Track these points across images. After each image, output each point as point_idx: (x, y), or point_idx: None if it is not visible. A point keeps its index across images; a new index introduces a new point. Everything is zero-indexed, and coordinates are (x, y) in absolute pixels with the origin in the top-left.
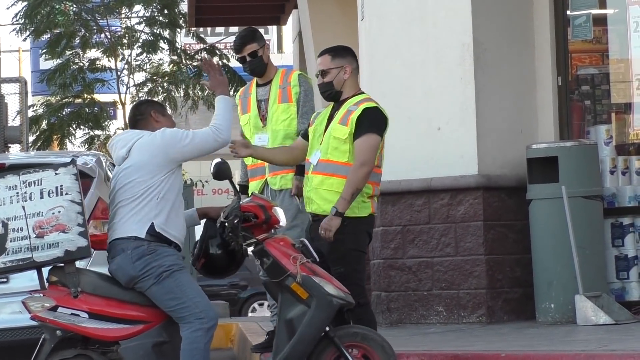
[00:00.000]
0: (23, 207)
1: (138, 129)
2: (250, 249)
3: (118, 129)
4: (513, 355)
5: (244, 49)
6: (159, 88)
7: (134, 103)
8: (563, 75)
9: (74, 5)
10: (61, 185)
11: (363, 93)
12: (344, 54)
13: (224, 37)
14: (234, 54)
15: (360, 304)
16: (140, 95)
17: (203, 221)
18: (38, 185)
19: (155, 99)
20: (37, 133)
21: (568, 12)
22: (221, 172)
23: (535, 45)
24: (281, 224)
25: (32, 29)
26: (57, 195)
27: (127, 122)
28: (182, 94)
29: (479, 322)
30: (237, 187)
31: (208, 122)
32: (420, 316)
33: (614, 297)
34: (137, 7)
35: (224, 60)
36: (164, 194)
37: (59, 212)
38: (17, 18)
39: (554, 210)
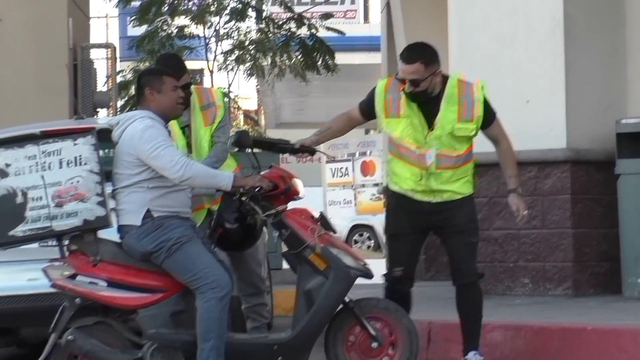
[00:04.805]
0: (42, 177)
1: (139, 104)
2: (269, 221)
3: None
4: (599, 328)
5: None
6: (247, 56)
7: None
8: None
9: None
10: (80, 156)
11: (446, 77)
12: (434, 57)
13: (310, 7)
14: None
15: (482, 275)
16: (227, 63)
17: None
18: (57, 155)
19: (242, 66)
20: (126, 98)
21: None
22: (241, 141)
23: (626, 18)
24: (300, 195)
25: None
26: (75, 165)
27: None
28: (269, 62)
29: (565, 295)
30: (257, 158)
31: (294, 91)
32: (505, 288)
33: None
34: None
35: (312, 30)
36: (155, 184)
37: (78, 181)
38: None
39: None
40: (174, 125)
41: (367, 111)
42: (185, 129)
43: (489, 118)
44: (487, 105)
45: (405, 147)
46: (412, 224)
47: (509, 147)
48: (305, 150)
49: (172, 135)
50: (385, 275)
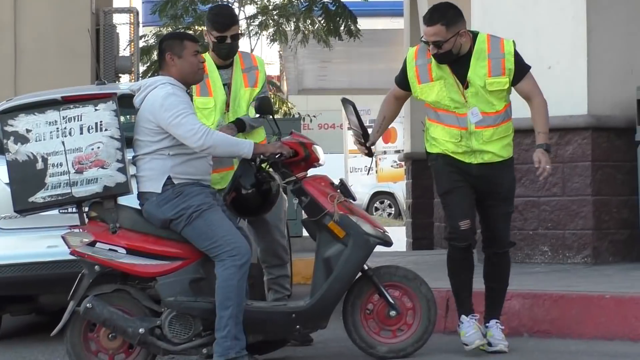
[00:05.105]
0: (63, 143)
1: (160, 69)
2: (289, 188)
3: None
4: (618, 296)
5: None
6: (270, 21)
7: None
8: None
9: None
10: (101, 121)
11: (475, 33)
12: (456, 18)
13: None
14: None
15: (514, 244)
16: (250, 28)
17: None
18: (78, 120)
19: (265, 32)
20: (148, 64)
21: None
22: (262, 107)
23: None
24: (320, 162)
25: None
26: (96, 131)
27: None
28: (292, 28)
29: (584, 262)
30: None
31: (316, 57)
32: (525, 255)
33: None
34: None
35: None
36: (176, 152)
37: (98, 147)
38: None
39: None
40: (216, 80)
41: (404, 84)
42: (225, 87)
43: (520, 71)
44: (518, 58)
45: (444, 110)
46: (463, 178)
47: (541, 103)
48: (366, 149)
49: (214, 89)
50: (449, 235)
